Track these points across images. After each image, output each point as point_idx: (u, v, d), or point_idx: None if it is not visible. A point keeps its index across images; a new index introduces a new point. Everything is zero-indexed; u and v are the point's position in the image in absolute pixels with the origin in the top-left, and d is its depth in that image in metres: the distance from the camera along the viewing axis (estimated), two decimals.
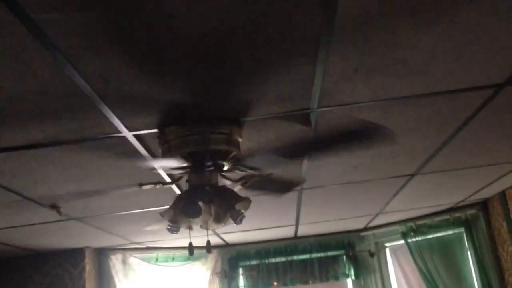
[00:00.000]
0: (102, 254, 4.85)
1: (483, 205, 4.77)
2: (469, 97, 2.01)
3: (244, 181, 2.13)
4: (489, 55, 1.66)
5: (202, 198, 1.90)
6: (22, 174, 2.26)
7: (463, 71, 1.76)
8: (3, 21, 1.17)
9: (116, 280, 4.80)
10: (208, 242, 2.17)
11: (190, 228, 2.02)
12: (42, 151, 2.00)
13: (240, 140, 2.02)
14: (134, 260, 4.97)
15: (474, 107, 2.14)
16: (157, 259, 5.12)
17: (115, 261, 4.85)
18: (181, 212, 1.87)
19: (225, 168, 2.03)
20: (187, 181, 2.01)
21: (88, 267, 4.58)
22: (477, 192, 4.19)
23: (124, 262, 4.91)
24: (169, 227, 2.01)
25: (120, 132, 1.94)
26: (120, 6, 1.18)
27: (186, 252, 2.16)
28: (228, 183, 2.12)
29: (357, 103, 1.93)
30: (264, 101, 1.82)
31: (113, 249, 4.87)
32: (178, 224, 1.98)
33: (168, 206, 2.07)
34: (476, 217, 4.82)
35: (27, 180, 2.34)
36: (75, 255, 4.54)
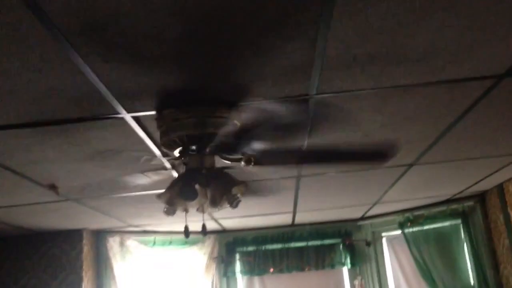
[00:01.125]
0: (100, 236, 4.88)
1: (481, 197, 4.78)
2: (468, 87, 2.01)
3: (241, 164, 2.13)
4: (489, 46, 1.66)
5: (198, 181, 1.91)
6: (19, 153, 2.26)
7: (462, 61, 1.75)
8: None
9: (113, 262, 4.84)
10: (204, 225, 2.18)
11: (186, 211, 2.02)
12: (39, 130, 2.01)
13: (238, 123, 2.02)
14: (131, 242, 5.00)
15: (474, 98, 2.13)
16: (154, 243, 5.15)
17: (113, 243, 4.88)
18: (177, 194, 1.88)
19: (222, 151, 2.04)
20: (184, 164, 2.01)
21: (85, 248, 4.61)
22: (475, 184, 4.20)
23: (121, 244, 4.94)
24: (165, 210, 2.02)
25: (118, 113, 1.94)
26: None
27: (184, 236, 2.17)
28: (225, 166, 2.12)
29: (355, 90, 1.92)
30: (263, 86, 1.81)
31: (111, 232, 4.90)
32: (174, 206, 1.99)
33: (164, 189, 2.08)
34: (473, 209, 4.83)
35: (24, 159, 2.35)
36: (73, 236, 4.57)
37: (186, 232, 2.10)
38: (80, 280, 4.46)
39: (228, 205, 1.94)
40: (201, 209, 2.03)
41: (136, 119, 2.02)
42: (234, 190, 1.95)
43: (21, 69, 1.52)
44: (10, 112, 1.82)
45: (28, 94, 1.69)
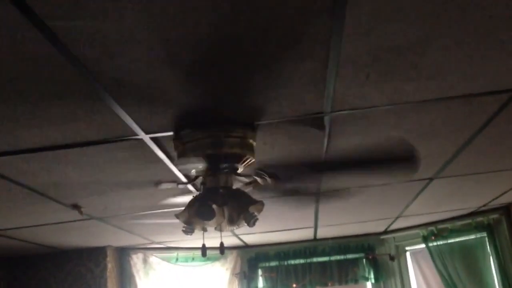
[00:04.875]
0: (123, 253, 4.94)
1: (506, 209, 4.69)
2: (484, 102, 2.00)
3: (259, 183, 2.15)
4: (501, 61, 1.65)
5: (215, 201, 1.93)
6: (43, 175, 2.33)
7: (475, 76, 1.75)
8: (22, 29, 1.22)
9: (137, 278, 4.88)
10: (221, 243, 2.20)
11: (204, 230, 2.05)
12: (61, 152, 2.06)
13: (254, 143, 2.05)
14: (154, 259, 5.04)
15: (490, 112, 2.12)
16: (177, 259, 5.18)
17: (136, 260, 4.94)
18: (195, 214, 1.91)
19: (239, 171, 2.06)
20: (201, 183, 2.04)
21: (109, 265, 4.67)
22: (499, 196, 4.13)
23: (144, 261, 4.99)
24: (184, 229, 2.05)
25: (137, 135, 1.99)
26: (131, 12, 1.22)
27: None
28: (242, 185, 2.15)
29: (370, 107, 1.93)
30: (277, 105, 1.84)
31: (134, 248, 4.96)
32: (192, 226, 2.02)
33: (183, 208, 2.12)
34: (499, 221, 4.73)
35: (48, 180, 2.42)
36: (97, 253, 4.64)
37: (204, 251, 2.13)
38: None
39: (245, 224, 1.95)
40: (219, 228, 2.05)
41: (155, 140, 2.06)
42: (251, 209, 1.97)
43: (42, 96, 1.58)
44: (34, 136, 1.88)
45: (50, 119, 1.75)
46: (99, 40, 1.31)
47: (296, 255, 5.44)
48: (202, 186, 2.04)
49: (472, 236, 4.87)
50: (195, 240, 4.62)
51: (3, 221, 3.19)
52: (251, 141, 2.00)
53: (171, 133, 2.01)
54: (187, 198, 2.38)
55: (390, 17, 1.34)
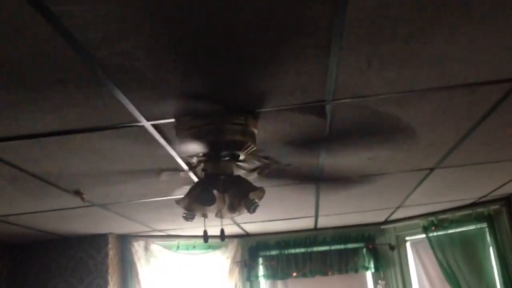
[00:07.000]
0: (125, 241, 4.96)
1: (507, 200, 4.69)
2: (486, 90, 1.99)
3: (260, 170, 2.16)
4: (504, 49, 1.65)
5: (216, 187, 1.94)
6: (45, 161, 2.33)
7: (479, 65, 1.74)
8: (24, 14, 1.22)
9: (138, 266, 4.91)
10: (222, 230, 2.21)
11: (205, 216, 2.06)
12: (63, 138, 2.07)
13: (255, 131, 2.05)
14: (155, 247, 5.07)
15: (493, 101, 2.12)
16: (178, 247, 5.21)
17: (138, 247, 4.96)
18: (196, 200, 1.92)
19: (241, 158, 2.07)
20: (202, 170, 2.05)
21: (111, 252, 4.69)
22: (500, 187, 4.13)
23: (146, 248, 5.01)
24: (184, 215, 2.06)
25: (138, 122, 1.99)
26: None
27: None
28: (243, 172, 2.15)
29: (372, 95, 1.93)
30: (279, 93, 1.84)
31: (136, 236, 4.98)
32: (193, 212, 2.03)
33: (184, 194, 2.12)
34: (499, 212, 4.74)
35: (50, 166, 2.42)
36: (98, 240, 4.66)
37: (205, 237, 2.14)
38: (106, 283, 4.54)
39: (246, 210, 1.96)
40: (219, 215, 2.06)
41: (156, 126, 2.06)
42: (252, 195, 1.97)
43: (44, 81, 1.58)
44: (35, 122, 1.89)
45: (52, 105, 1.75)
46: (101, 25, 1.31)
47: (296, 244, 5.47)
48: (203, 173, 2.04)
49: (472, 227, 4.88)
50: (196, 228, 4.66)
51: (5, 207, 3.20)
52: (252, 128, 2.00)
53: (172, 120, 2.01)
54: (188, 185, 2.38)
55: (392, 3, 1.33)
